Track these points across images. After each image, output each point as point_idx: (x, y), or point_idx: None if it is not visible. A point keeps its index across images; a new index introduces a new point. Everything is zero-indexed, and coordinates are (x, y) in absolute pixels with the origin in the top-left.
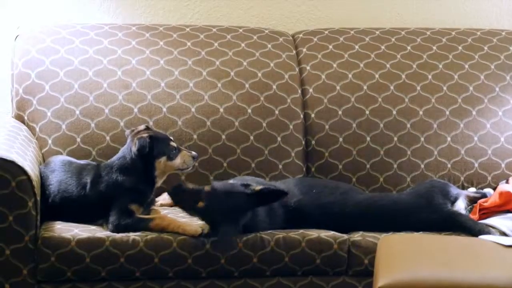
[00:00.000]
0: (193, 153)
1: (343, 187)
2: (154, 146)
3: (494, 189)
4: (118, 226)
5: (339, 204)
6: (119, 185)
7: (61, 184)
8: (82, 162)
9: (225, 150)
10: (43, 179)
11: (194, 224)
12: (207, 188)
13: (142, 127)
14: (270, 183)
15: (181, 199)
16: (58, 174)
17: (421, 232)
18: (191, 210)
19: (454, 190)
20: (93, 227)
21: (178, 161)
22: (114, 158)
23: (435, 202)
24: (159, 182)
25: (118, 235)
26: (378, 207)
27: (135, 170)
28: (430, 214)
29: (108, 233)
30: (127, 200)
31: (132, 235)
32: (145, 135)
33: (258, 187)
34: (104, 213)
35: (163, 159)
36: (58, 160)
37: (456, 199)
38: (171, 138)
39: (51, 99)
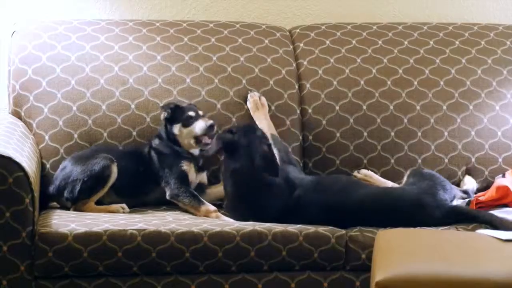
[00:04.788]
0: (210, 121)
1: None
2: (172, 113)
3: (491, 184)
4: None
5: (341, 201)
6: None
7: None
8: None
9: None
10: None
11: None
12: None
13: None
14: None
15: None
16: None
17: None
18: None
19: (450, 187)
20: (89, 221)
21: (191, 128)
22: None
23: (438, 198)
24: (190, 149)
25: (116, 229)
26: (381, 204)
27: (167, 136)
28: (434, 210)
29: (105, 227)
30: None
31: (130, 230)
32: (170, 103)
33: None
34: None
35: (178, 125)
36: None
37: (454, 197)
38: (194, 107)
39: (48, 95)
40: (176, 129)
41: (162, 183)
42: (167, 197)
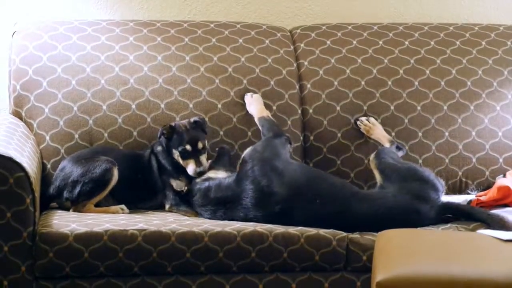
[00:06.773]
0: (199, 169)
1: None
2: (172, 137)
3: (492, 184)
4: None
5: (337, 216)
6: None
7: None
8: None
9: None
10: None
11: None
12: None
13: (193, 119)
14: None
15: None
16: None
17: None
18: None
19: (434, 177)
20: (90, 221)
21: (183, 163)
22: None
23: (431, 200)
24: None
25: (116, 229)
26: (376, 215)
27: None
28: (429, 212)
29: (106, 227)
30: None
31: (131, 230)
32: (171, 124)
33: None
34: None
35: (176, 152)
36: None
37: (442, 186)
38: (198, 140)
39: (49, 96)
40: (175, 155)
41: (159, 194)
42: (166, 208)
